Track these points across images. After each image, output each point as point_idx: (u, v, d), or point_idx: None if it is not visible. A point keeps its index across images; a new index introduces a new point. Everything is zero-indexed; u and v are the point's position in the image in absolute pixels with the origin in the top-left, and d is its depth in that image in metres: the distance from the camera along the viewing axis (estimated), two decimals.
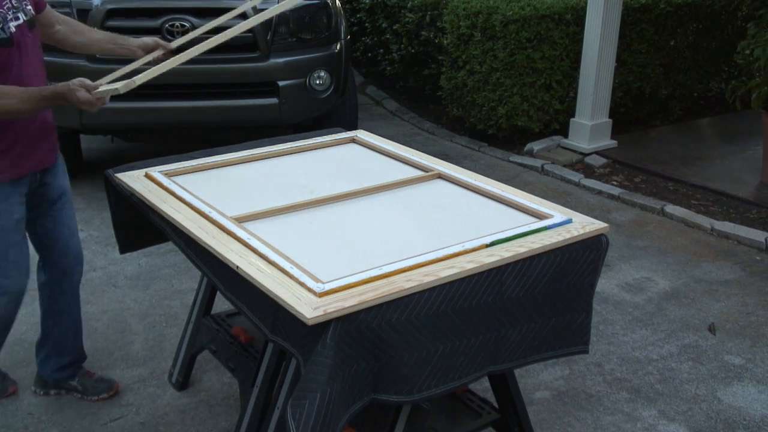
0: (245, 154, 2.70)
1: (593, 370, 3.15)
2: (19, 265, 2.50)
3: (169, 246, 3.70)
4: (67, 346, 2.86)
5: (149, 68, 2.26)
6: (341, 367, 1.72)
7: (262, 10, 4.79)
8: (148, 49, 2.68)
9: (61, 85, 2.26)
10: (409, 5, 6.42)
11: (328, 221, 2.18)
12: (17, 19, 2.33)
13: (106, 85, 2.31)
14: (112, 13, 4.49)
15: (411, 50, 6.55)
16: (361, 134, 2.91)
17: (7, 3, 2.31)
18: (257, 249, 1.96)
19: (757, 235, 4.29)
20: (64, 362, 2.87)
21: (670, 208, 4.67)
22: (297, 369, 2.21)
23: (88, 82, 2.27)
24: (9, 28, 2.30)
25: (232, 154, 2.71)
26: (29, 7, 2.40)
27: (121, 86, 2.20)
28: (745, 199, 4.84)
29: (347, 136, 2.91)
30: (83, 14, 4.42)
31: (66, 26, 2.67)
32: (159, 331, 3.38)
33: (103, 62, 4.31)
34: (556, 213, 2.19)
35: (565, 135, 5.77)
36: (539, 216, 2.19)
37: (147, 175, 2.47)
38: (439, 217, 2.21)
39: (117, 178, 2.48)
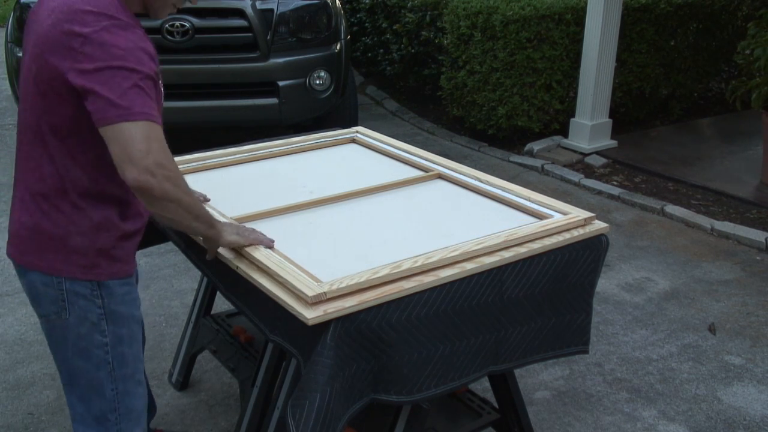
0: (245, 154, 2.70)
1: (593, 370, 3.15)
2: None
3: (169, 246, 3.70)
4: None
5: None
6: (341, 367, 1.72)
7: (263, 8, 4.84)
8: None
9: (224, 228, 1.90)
10: (409, 5, 6.42)
11: (327, 222, 2.17)
12: None
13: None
14: None
15: (411, 50, 6.55)
16: (360, 132, 2.91)
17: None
18: (257, 249, 1.96)
19: (757, 235, 4.29)
20: None
21: (670, 208, 4.67)
22: (297, 369, 2.21)
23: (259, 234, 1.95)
24: None
25: (232, 154, 2.70)
26: None
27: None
28: (745, 199, 4.84)
29: (347, 136, 2.90)
30: None
31: None
32: (159, 331, 3.38)
33: None
34: (556, 213, 2.19)
35: (565, 135, 5.77)
36: (539, 216, 2.19)
37: None
38: (439, 218, 2.21)
39: None
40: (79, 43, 1.62)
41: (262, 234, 1.97)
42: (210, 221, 1.84)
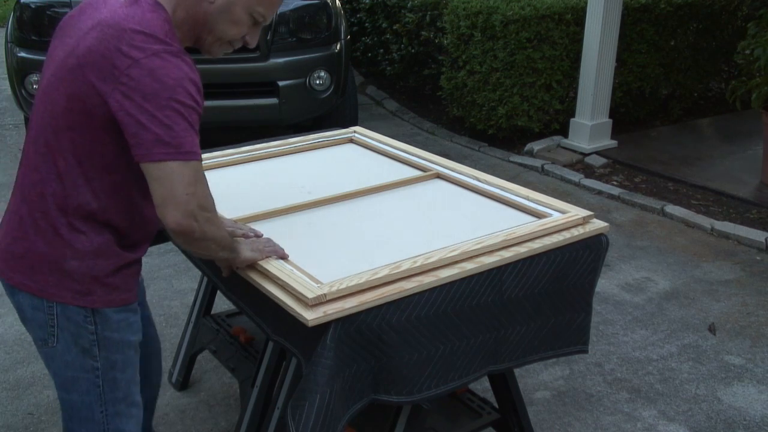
0: (243, 154, 2.70)
1: (593, 370, 3.15)
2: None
3: (169, 246, 3.70)
4: None
5: None
6: (341, 368, 1.72)
7: None
8: None
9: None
10: (409, 5, 6.42)
11: (327, 222, 2.17)
12: None
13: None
14: None
15: (411, 50, 6.55)
16: (358, 132, 2.91)
17: None
18: None
19: (757, 235, 4.29)
20: None
21: (670, 208, 4.67)
22: (297, 369, 2.21)
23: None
24: None
25: (230, 154, 2.70)
26: None
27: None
28: (745, 199, 4.84)
29: (345, 136, 2.90)
30: None
31: None
32: (159, 331, 3.36)
33: None
34: (555, 212, 2.19)
35: (565, 135, 5.77)
36: (538, 215, 2.19)
37: None
38: (438, 218, 2.21)
39: None
40: (125, 65, 1.49)
41: (277, 245, 1.91)
42: (231, 246, 1.78)
